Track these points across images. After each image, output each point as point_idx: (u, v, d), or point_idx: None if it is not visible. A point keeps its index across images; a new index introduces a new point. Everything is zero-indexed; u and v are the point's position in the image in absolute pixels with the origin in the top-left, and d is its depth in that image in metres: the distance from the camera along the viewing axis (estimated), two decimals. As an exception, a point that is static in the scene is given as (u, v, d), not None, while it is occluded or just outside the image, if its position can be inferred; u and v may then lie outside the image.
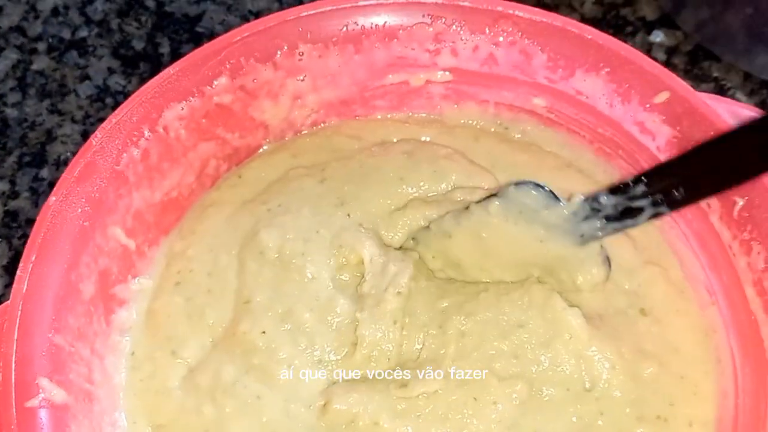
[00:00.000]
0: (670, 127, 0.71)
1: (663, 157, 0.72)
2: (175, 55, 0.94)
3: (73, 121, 0.90)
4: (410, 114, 0.81)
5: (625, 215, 0.66)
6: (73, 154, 0.86)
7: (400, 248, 0.74)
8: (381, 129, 0.80)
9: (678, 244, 0.74)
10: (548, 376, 0.65)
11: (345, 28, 0.74)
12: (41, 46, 0.94)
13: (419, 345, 0.68)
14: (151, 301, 0.72)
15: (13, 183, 0.87)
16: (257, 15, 0.96)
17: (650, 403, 0.66)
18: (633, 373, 0.66)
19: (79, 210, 0.66)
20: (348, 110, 0.80)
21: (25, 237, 0.84)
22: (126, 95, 0.91)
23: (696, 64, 0.94)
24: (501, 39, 0.74)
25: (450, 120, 0.81)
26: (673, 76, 0.70)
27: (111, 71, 0.93)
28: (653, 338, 0.69)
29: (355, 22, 0.74)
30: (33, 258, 0.63)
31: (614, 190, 0.66)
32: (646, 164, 0.74)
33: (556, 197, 0.69)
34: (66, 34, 0.95)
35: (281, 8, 0.96)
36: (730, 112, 0.69)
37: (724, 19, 0.89)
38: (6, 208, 0.86)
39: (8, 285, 0.82)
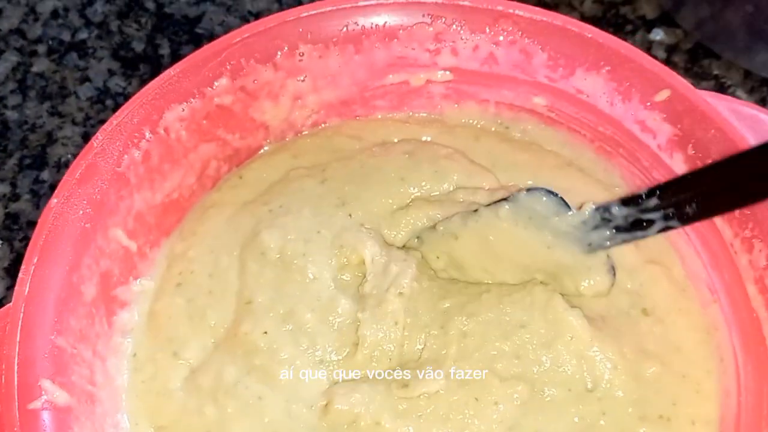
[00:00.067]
0: (670, 125, 0.71)
1: (664, 155, 0.72)
2: (175, 57, 0.94)
3: (74, 123, 0.90)
4: (411, 114, 0.81)
5: (635, 227, 0.66)
6: (74, 156, 0.87)
7: (403, 247, 0.74)
8: (381, 129, 0.80)
9: (679, 242, 0.74)
10: (550, 376, 0.65)
11: (345, 29, 0.74)
12: (41, 49, 0.94)
13: (421, 345, 0.68)
14: (153, 303, 0.72)
15: (14, 185, 0.87)
16: (257, 16, 0.96)
17: (652, 403, 0.66)
18: (635, 373, 0.66)
19: (81, 212, 0.66)
20: (348, 110, 0.80)
21: (26, 239, 0.84)
22: (126, 97, 0.91)
23: (696, 62, 0.94)
24: (501, 38, 0.74)
25: (450, 119, 0.81)
26: (674, 74, 0.70)
27: (111, 73, 0.93)
28: (655, 338, 0.69)
29: (356, 23, 0.74)
30: (35, 260, 0.63)
31: (626, 201, 0.66)
32: (647, 162, 0.74)
33: (567, 205, 0.69)
34: (66, 36, 0.95)
35: (281, 9, 0.96)
36: (731, 110, 0.69)
37: (724, 16, 0.89)
38: (7, 210, 0.86)
39: (10, 287, 0.82)
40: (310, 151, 0.79)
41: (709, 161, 0.69)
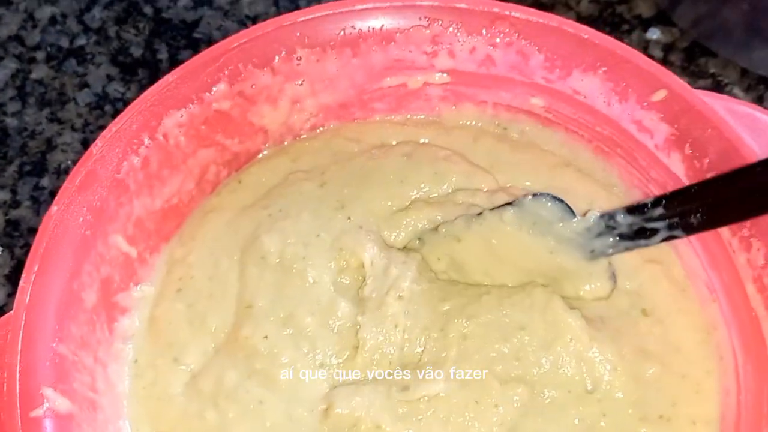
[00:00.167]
0: (667, 124, 0.71)
1: (661, 155, 0.72)
2: (173, 61, 0.94)
3: (73, 129, 0.90)
4: (409, 116, 0.81)
5: (639, 235, 0.67)
6: (74, 162, 0.87)
7: (404, 248, 0.74)
8: (380, 131, 0.81)
9: (678, 241, 0.74)
10: (550, 378, 0.66)
11: (342, 32, 0.74)
12: (40, 55, 0.94)
13: (421, 348, 0.68)
14: (153, 308, 0.72)
15: (14, 192, 0.87)
16: (254, 20, 0.96)
17: (653, 403, 0.66)
18: (635, 374, 0.66)
19: (81, 219, 0.66)
20: (347, 113, 0.80)
21: (26, 246, 0.84)
22: (125, 102, 0.92)
23: (693, 60, 0.94)
24: (498, 40, 0.74)
25: (448, 121, 0.81)
26: (670, 73, 0.70)
27: (110, 78, 0.93)
28: (655, 338, 0.69)
29: (353, 26, 0.74)
30: (35, 268, 0.63)
31: (632, 210, 0.67)
32: (644, 162, 0.74)
33: (571, 211, 0.70)
34: (64, 43, 0.95)
35: (278, 12, 0.97)
36: (727, 109, 0.70)
37: (720, 14, 0.89)
38: (7, 217, 0.86)
39: (11, 294, 0.82)
40: (309, 154, 0.79)
41: (706, 160, 0.69)
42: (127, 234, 0.70)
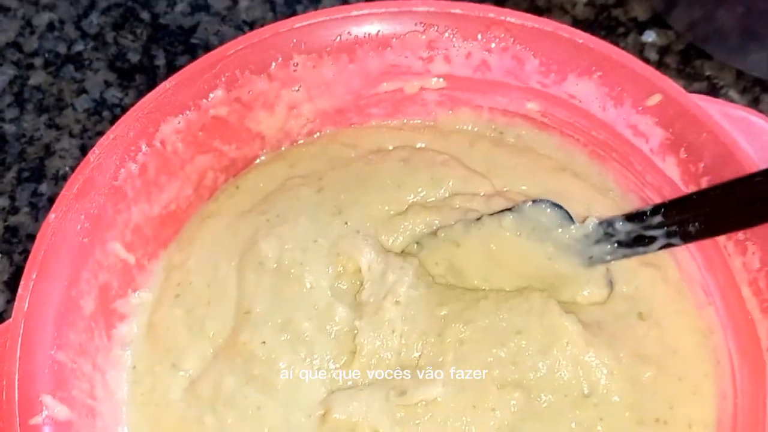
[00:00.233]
0: (662, 129, 0.71)
1: (656, 159, 0.73)
2: (171, 67, 0.94)
3: (71, 135, 0.91)
4: (405, 121, 0.82)
5: (637, 242, 0.68)
6: (72, 168, 0.87)
7: (402, 252, 0.74)
8: (377, 136, 0.81)
9: (674, 244, 0.74)
10: (546, 382, 0.66)
11: (338, 38, 0.74)
12: (38, 61, 0.95)
13: (418, 352, 0.68)
14: (152, 314, 0.72)
15: (12, 198, 0.88)
16: (251, 25, 0.97)
17: (649, 407, 0.66)
18: (632, 378, 0.67)
19: (79, 226, 0.66)
20: (343, 119, 0.80)
21: (25, 252, 0.85)
22: (123, 108, 0.92)
23: (688, 63, 0.94)
24: (493, 45, 0.74)
25: (445, 126, 0.81)
26: (665, 78, 0.71)
27: (107, 84, 0.93)
28: (652, 342, 0.69)
29: (348, 32, 0.74)
30: (34, 276, 0.63)
31: (631, 217, 0.68)
32: (639, 166, 0.74)
33: (570, 218, 0.71)
34: (62, 49, 0.95)
35: (275, 18, 0.97)
36: (722, 113, 0.70)
37: (715, 17, 0.90)
38: (6, 223, 0.86)
39: (10, 300, 0.82)
40: (306, 159, 0.79)
41: (701, 164, 0.69)
42: (125, 241, 0.70)
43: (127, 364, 0.70)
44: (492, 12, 0.73)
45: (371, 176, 0.77)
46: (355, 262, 0.71)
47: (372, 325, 0.68)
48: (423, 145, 0.80)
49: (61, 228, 0.65)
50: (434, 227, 0.74)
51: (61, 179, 0.88)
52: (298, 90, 0.76)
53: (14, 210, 0.87)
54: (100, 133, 0.69)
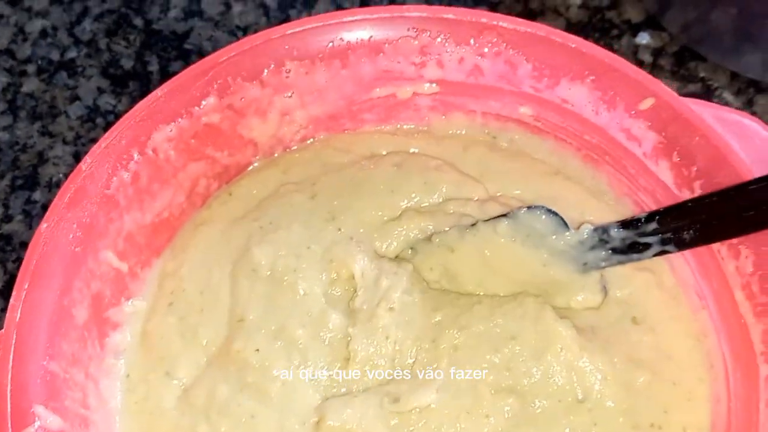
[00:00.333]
0: (655, 132, 0.71)
1: (650, 162, 0.73)
2: (164, 73, 0.94)
3: (64, 142, 0.90)
4: (399, 126, 0.82)
5: (632, 249, 0.69)
6: (65, 175, 0.87)
7: (396, 258, 0.74)
8: (370, 142, 0.81)
9: (668, 248, 0.74)
10: (540, 388, 0.66)
11: (331, 44, 0.74)
12: (31, 68, 0.95)
13: (412, 359, 0.68)
14: (145, 323, 0.72)
15: (6, 206, 0.87)
16: (245, 30, 0.96)
17: (644, 412, 0.66)
18: (626, 383, 0.67)
19: (71, 236, 0.66)
20: (336, 124, 0.80)
21: (19, 260, 0.84)
22: (116, 114, 0.92)
23: (683, 64, 0.94)
24: (486, 50, 0.74)
25: (438, 131, 0.81)
26: (658, 82, 0.71)
27: (101, 91, 0.93)
28: (646, 347, 0.69)
29: (341, 38, 0.74)
30: (26, 286, 0.63)
31: (626, 224, 0.68)
32: (633, 170, 0.74)
33: (565, 224, 0.71)
34: (55, 56, 0.95)
35: (268, 23, 0.97)
36: (715, 117, 0.70)
37: (709, 19, 0.90)
38: (0, 231, 0.86)
39: (3, 309, 0.82)
40: (299, 165, 0.79)
41: (694, 168, 0.69)
42: (118, 249, 0.70)
43: (120, 373, 0.70)
44: (484, 17, 0.73)
45: (365, 182, 0.76)
46: (349, 268, 0.71)
47: (366, 331, 0.68)
48: (416, 150, 0.80)
49: (53, 237, 0.65)
50: (428, 232, 0.74)
51: (54, 186, 0.88)
52: (291, 96, 0.76)
53: (8, 218, 0.87)
54: (94, 140, 0.69)
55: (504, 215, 0.72)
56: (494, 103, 0.78)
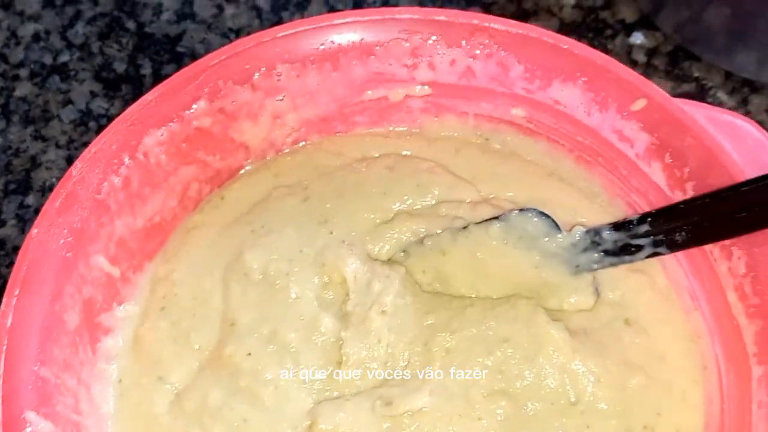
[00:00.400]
0: (648, 134, 0.71)
1: (642, 164, 0.72)
2: (157, 76, 0.94)
3: (57, 146, 0.90)
4: (390, 128, 0.81)
5: (624, 251, 0.69)
6: (58, 179, 0.86)
7: (389, 260, 0.74)
8: (362, 144, 0.80)
9: (661, 249, 0.74)
10: (533, 390, 0.66)
11: (321, 47, 0.74)
12: (23, 73, 0.94)
13: (404, 362, 0.68)
14: (137, 327, 0.72)
15: (-1, 211, 0.88)
16: (237, 33, 0.96)
17: (637, 414, 0.66)
18: (619, 385, 0.66)
19: (61, 241, 0.66)
20: (328, 127, 0.80)
21: (12, 265, 0.83)
22: (109, 118, 0.92)
23: (677, 64, 0.94)
24: (478, 52, 0.74)
25: (430, 133, 0.81)
26: (650, 83, 0.70)
27: (93, 95, 0.93)
28: (639, 348, 0.69)
29: (332, 41, 0.74)
30: (16, 292, 0.63)
31: (618, 226, 0.68)
32: (625, 171, 0.74)
33: (557, 226, 0.71)
34: (48, 60, 0.95)
35: (261, 25, 0.97)
36: (708, 117, 0.70)
37: (702, 18, 0.89)
38: (-7, 236, 0.86)
39: (-2, 314, 0.82)
40: (292, 169, 0.79)
41: (686, 169, 0.69)
42: (110, 254, 0.70)
43: (112, 378, 0.70)
44: (476, 18, 0.73)
45: (357, 185, 0.76)
46: (341, 272, 0.71)
47: (358, 335, 0.68)
48: (408, 153, 0.80)
49: (43, 243, 0.65)
50: (421, 235, 0.74)
51: (47, 191, 0.88)
52: (282, 99, 0.76)
53: (1, 223, 0.87)
54: (87, 144, 0.69)
55: (496, 218, 0.72)
56: (486, 104, 0.78)
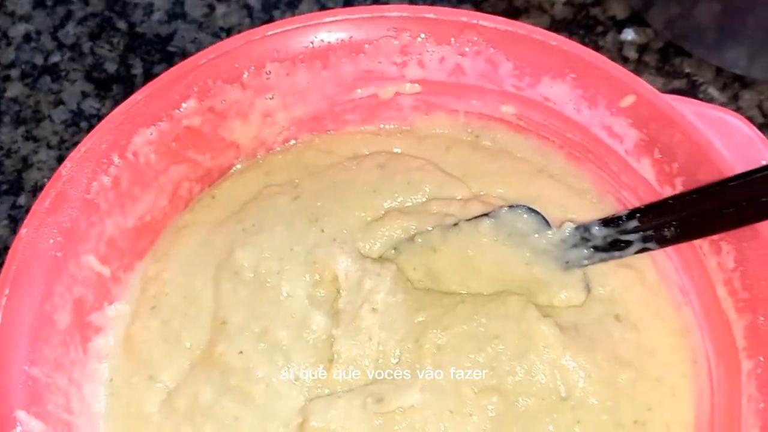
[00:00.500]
0: (637, 130, 0.71)
1: (631, 160, 0.73)
2: (148, 76, 0.94)
3: (49, 147, 0.90)
4: (381, 126, 0.81)
5: (613, 247, 0.69)
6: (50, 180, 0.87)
7: (380, 258, 0.74)
8: (352, 142, 0.81)
9: (651, 245, 0.74)
10: (524, 386, 0.66)
11: (311, 45, 0.74)
12: (14, 73, 0.94)
13: (395, 359, 0.68)
14: (128, 327, 0.72)
15: (-10, 212, 0.88)
16: (229, 32, 0.96)
17: (627, 409, 0.66)
18: (609, 381, 0.67)
19: (51, 241, 0.66)
20: (319, 125, 0.80)
21: (2, 265, 0.84)
22: (100, 118, 0.91)
23: (668, 60, 0.94)
24: (467, 49, 0.74)
25: (421, 130, 0.81)
26: (638, 79, 0.70)
27: (84, 95, 0.93)
28: (629, 344, 0.69)
29: (321, 39, 0.74)
30: (6, 292, 0.63)
31: (607, 222, 0.68)
32: (615, 167, 0.74)
33: (547, 223, 0.71)
34: (38, 60, 0.95)
35: (252, 24, 0.97)
36: (697, 113, 0.70)
37: (693, 15, 0.90)
38: (-15, 237, 0.86)
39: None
40: (282, 167, 0.79)
41: (675, 165, 0.69)
42: (100, 254, 0.70)
43: (103, 377, 0.70)
44: (465, 16, 0.73)
45: (347, 183, 0.76)
46: (332, 269, 0.71)
47: (349, 333, 0.68)
48: (399, 150, 0.80)
49: (33, 243, 0.65)
50: (411, 232, 0.74)
51: (39, 191, 0.87)
52: (272, 98, 0.76)
53: (-7, 223, 0.87)
54: (78, 144, 0.69)
55: (486, 215, 0.72)
56: (476, 102, 0.78)
